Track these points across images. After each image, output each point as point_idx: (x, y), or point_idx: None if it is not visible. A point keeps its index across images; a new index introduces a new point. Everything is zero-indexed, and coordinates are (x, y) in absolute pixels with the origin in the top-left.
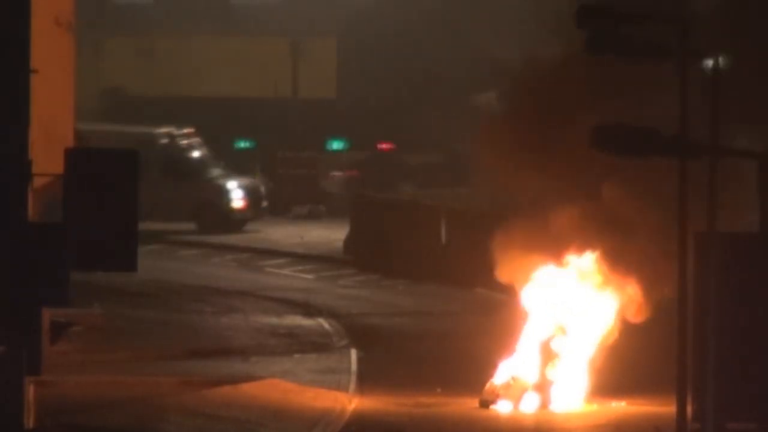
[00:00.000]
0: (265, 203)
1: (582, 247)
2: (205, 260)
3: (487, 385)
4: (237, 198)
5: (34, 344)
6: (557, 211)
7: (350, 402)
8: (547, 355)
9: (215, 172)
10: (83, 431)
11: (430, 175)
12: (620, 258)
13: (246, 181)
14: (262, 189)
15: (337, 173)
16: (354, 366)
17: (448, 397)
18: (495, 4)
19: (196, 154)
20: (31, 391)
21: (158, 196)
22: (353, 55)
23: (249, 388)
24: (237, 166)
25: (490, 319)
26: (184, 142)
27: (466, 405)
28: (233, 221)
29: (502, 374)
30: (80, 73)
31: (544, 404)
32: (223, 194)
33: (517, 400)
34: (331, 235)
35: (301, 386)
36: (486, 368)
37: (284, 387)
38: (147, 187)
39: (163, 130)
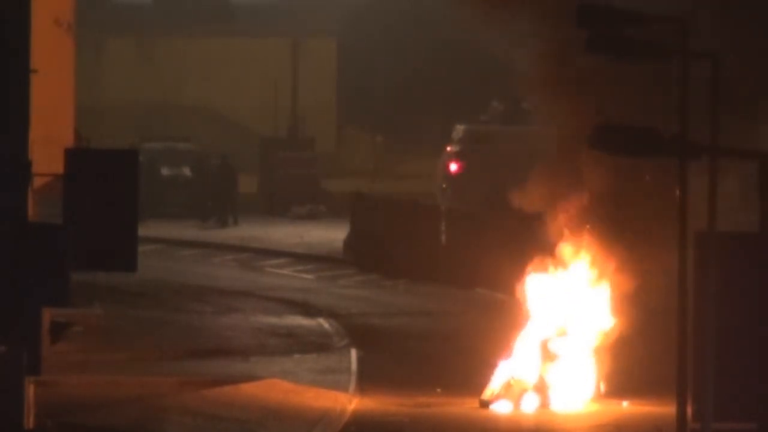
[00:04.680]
0: None
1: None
2: (205, 260)
3: (487, 386)
4: None
5: (34, 344)
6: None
7: (350, 402)
8: (547, 355)
9: None
10: (83, 431)
11: None
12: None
13: None
14: None
15: None
16: (354, 366)
17: (448, 397)
18: None
19: None
20: (31, 391)
21: None
22: (353, 55)
23: (249, 388)
24: None
25: (490, 319)
26: None
27: (466, 405)
28: None
29: (501, 374)
30: (80, 73)
31: (544, 404)
32: None
33: (516, 400)
34: (331, 235)
35: (301, 386)
36: (486, 368)
37: (284, 387)
38: None
39: None
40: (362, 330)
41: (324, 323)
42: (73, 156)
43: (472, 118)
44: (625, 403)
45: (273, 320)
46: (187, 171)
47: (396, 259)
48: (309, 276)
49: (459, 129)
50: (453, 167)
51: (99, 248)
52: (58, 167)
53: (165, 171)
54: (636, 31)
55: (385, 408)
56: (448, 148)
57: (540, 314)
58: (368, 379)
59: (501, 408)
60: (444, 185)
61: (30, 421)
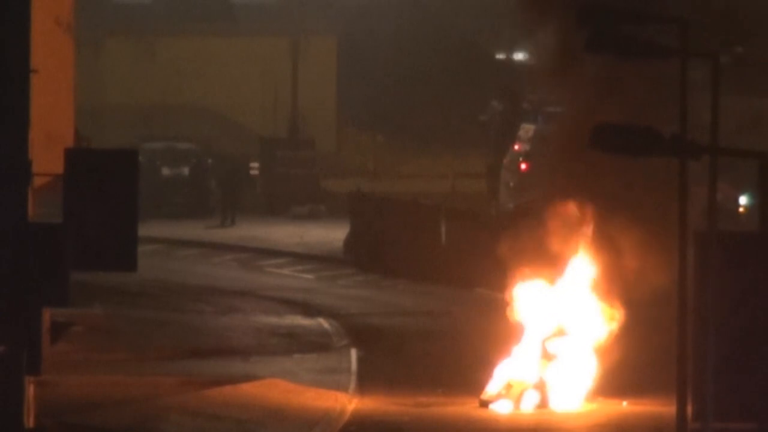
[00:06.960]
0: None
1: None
2: (205, 260)
3: (487, 386)
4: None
5: (34, 344)
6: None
7: (350, 402)
8: (547, 355)
9: None
10: (83, 431)
11: None
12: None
13: None
14: None
15: None
16: (354, 366)
17: (448, 397)
18: (493, 3)
19: None
20: (31, 391)
21: None
22: (353, 54)
23: (249, 388)
24: None
25: (491, 319)
26: None
27: (466, 405)
28: None
29: (501, 374)
30: (80, 73)
31: (544, 404)
32: None
33: (516, 400)
34: (331, 235)
35: (301, 386)
36: (486, 368)
37: (284, 387)
38: None
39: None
40: (362, 330)
41: (324, 323)
42: (73, 156)
43: (472, 118)
44: (625, 403)
45: (273, 320)
46: (186, 171)
47: (396, 259)
48: (309, 276)
49: (528, 129)
50: (523, 166)
51: (99, 248)
52: (58, 167)
53: (165, 171)
54: (636, 31)
55: (385, 408)
56: (516, 147)
57: (539, 314)
58: (368, 379)
59: (501, 408)
60: (512, 183)
61: (30, 421)
